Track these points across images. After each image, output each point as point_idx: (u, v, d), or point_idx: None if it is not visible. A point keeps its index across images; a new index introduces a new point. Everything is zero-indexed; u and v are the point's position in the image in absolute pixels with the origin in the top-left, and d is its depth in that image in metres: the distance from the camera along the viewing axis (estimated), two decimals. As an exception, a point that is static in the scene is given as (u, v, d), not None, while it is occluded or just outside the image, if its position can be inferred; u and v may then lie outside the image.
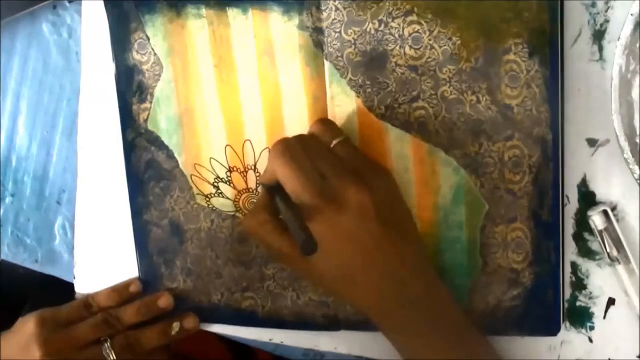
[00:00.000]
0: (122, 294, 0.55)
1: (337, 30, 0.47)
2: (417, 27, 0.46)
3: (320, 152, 0.45)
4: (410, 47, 0.46)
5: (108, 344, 0.52)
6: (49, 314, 0.53)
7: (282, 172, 0.44)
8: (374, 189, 0.44)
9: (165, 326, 0.54)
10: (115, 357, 0.52)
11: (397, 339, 0.46)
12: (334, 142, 0.46)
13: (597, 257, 0.47)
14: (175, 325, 0.54)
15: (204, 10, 0.50)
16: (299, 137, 0.46)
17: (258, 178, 0.52)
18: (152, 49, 0.52)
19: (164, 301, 0.54)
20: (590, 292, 0.48)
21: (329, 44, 0.48)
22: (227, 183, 0.52)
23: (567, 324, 0.49)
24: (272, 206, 0.46)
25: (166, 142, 0.53)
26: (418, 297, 0.44)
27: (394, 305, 0.44)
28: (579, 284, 0.48)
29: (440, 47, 0.46)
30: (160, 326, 0.54)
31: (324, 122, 0.48)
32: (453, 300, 0.46)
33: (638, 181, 0.43)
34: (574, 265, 0.48)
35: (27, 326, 0.52)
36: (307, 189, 0.43)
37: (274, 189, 0.45)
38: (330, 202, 0.43)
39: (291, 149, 0.45)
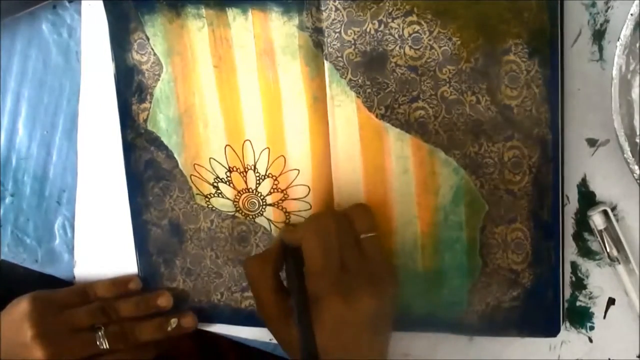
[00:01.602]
0: (120, 288, 0.55)
1: (337, 30, 0.47)
2: (417, 27, 0.46)
3: (349, 242, 0.46)
4: (410, 47, 0.46)
5: (102, 331, 0.52)
6: (44, 295, 0.53)
7: (309, 246, 0.44)
8: (383, 298, 0.44)
9: (162, 321, 0.54)
10: (107, 345, 0.52)
11: None
12: (365, 235, 0.46)
13: (597, 257, 0.47)
14: (173, 322, 0.54)
15: (203, 11, 0.50)
16: (337, 218, 0.46)
17: (280, 229, 0.52)
18: (152, 49, 0.52)
19: (164, 300, 0.54)
20: (590, 292, 0.48)
21: (328, 44, 0.48)
22: (227, 183, 0.52)
23: (567, 324, 0.49)
24: (280, 262, 0.47)
25: (166, 142, 0.53)
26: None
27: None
28: (579, 284, 0.48)
29: (440, 47, 0.46)
30: (157, 320, 0.54)
31: (364, 209, 0.48)
32: None
33: (638, 181, 0.43)
34: (574, 265, 0.48)
35: (21, 305, 0.52)
36: (325, 273, 0.44)
37: (291, 250, 0.46)
38: (341, 295, 0.43)
39: (327, 228, 0.45)
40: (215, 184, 0.53)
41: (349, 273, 0.44)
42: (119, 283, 0.55)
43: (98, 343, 0.51)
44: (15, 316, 0.52)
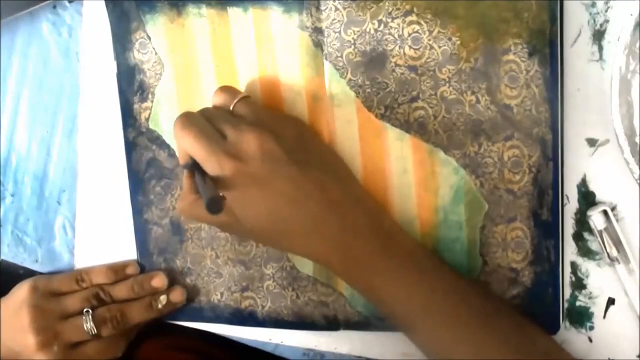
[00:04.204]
0: (118, 273, 0.55)
1: (337, 30, 0.47)
2: (417, 27, 0.46)
3: (220, 115, 0.46)
4: (410, 47, 0.47)
5: (90, 315, 0.52)
6: (42, 282, 0.54)
7: (186, 143, 0.44)
8: (280, 134, 0.44)
9: (151, 300, 0.54)
10: (95, 329, 0.52)
11: (356, 281, 0.45)
12: (234, 102, 0.47)
13: (597, 257, 0.47)
14: (163, 299, 0.54)
15: (205, 10, 0.50)
16: (200, 110, 0.47)
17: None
18: (154, 49, 0.52)
19: (158, 280, 0.54)
20: (590, 292, 0.48)
21: (328, 44, 0.48)
22: (227, 183, 0.52)
23: (567, 323, 0.48)
24: (197, 185, 0.46)
25: (167, 141, 0.53)
26: (359, 226, 0.44)
27: (337, 243, 0.44)
28: (579, 284, 0.48)
29: (439, 47, 0.46)
30: (146, 300, 0.54)
31: (221, 89, 0.48)
32: (403, 230, 0.45)
33: (638, 181, 0.43)
34: (574, 265, 0.48)
35: (20, 291, 0.53)
36: (210, 151, 0.43)
37: (192, 167, 0.45)
38: (235, 156, 0.43)
39: (191, 118, 0.45)
40: (215, 184, 0.53)
41: (231, 136, 0.44)
42: (117, 269, 0.55)
43: (85, 327, 0.52)
44: (15, 302, 0.53)
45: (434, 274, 0.45)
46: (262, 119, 0.46)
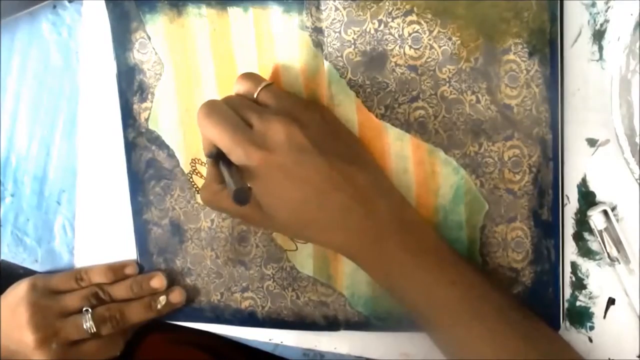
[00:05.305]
0: (117, 273, 0.55)
1: (337, 30, 0.47)
2: (417, 27, 0.46)
3: (244, 103, 0.45)
4: (410, 47, 0.47)
5: (89, 314, 0.52)
6: (41, 280, 0.54)
7: (211, 133, 0.44)
8: (305, 123, 0.44)
9: (151, 300, 0.54)
10: (94, 328, 0.52)
11: (378, 273, 0.45)
12: (257, 90, 0.46)
13: (597, 257, 0.47)
14: (162, 299, 0.54)
15: (205, 10, 0.50)
16: (224, 98, 0.46)
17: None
18: (153, 49, 0.52)
19: (157, 281, 0.54)
20: (590, 292, 0.48)
21: (328, 44, 0.48)
22: (227, 183, 0.52)
23: (567, 323, 0.48)
24: (221, 175, 0.45)
25: (167, 141, 0.53)
26: (385, 221, 0.43)
27: (362, 234, 0.43)
28: (579, 284, 0.48)
29: (440, 47, 0.46)
30: (146, 300, 0.54)
31: (244, 76, 0.48)
32: (429, 226, 0.45)
33: (638, 181, 0.43)
34: (574, 265, 0.48)
35: (19, 289, 0.53)
36: (237, 140, 0.43)
37: (217, 156, 0.45)
38: (262, 146, 0.42)
39: (215, 107, 0.44)
40: (215, 184, 0.53)
41: (257, 125, 0.43)
42: (116, 268, 0.55)
43: (85, 326, 0.52)
44: (14, 299, 0.53)
45: (455, 268, 0.45)
46: (288, 107, 0.45)
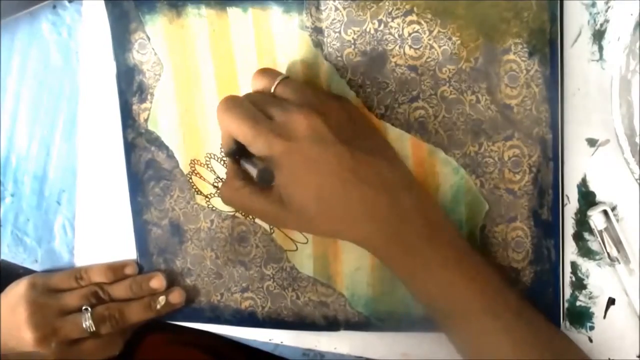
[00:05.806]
0: (117, 273, 0.55)
1: (337, 30, 0.47)
2: (417, 27, 0.46)
3: (264, 98, 0.45)
4: (410, 47, 0.46)
5: (89, 313, 0.52)
6: (40, 279, 0.54)
7: (232, 127, 0.43)
8: (327, 113, 0.43)
9: (150, 300, 0.54)
10: (94, 327, 0.52)
11: (399, 267, 0.45)
12: (275, 84, 0.46)
13: (597, 257, 0.47)
14: (161, 299, 0.54)
15: (204, 10, 0.50)
16: (244, 95, 0.46)
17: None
18: (153, 49, 0.52)
19: (156, 281, 0.54)
20: (590, 292, 0.48)
21: (328, 44, 0.48)
22: (227, 183, 0.52)
23: (567, 324, 0.48)
24: (241, 171, 0.45)
25: (166, 142, 0.53)
26: (408, 211, 0.43)
27: (385, 226, 0.43)
28: (579, 284, 0.48)
29: (440, 47, 0.46)
30: (145, 300, 0.54)
31: (260, 71, 0.47)
32: (448, 218, 0.45)
33: (638, 181, 0.43)
34: (574, 265, 0.48)
35: (18, 287, 0.53)
36: (258, 131, 0.42)
37: (237, 153, 0.45)
38: (284, 136, 0.42)
39: (234, 101, 0.44)
40: (215, 184, 0.53)
41: (278, 117, 0.43)
42: (116, 268, 0.55)
43: (84, 325, 0.52)
44: (13, 298, 0.53)
45: (474, 264, 0.44)
46: (307, 99, 0.45)
